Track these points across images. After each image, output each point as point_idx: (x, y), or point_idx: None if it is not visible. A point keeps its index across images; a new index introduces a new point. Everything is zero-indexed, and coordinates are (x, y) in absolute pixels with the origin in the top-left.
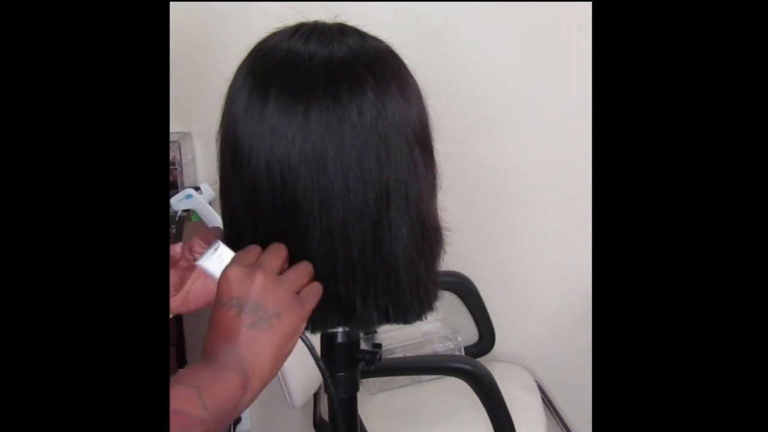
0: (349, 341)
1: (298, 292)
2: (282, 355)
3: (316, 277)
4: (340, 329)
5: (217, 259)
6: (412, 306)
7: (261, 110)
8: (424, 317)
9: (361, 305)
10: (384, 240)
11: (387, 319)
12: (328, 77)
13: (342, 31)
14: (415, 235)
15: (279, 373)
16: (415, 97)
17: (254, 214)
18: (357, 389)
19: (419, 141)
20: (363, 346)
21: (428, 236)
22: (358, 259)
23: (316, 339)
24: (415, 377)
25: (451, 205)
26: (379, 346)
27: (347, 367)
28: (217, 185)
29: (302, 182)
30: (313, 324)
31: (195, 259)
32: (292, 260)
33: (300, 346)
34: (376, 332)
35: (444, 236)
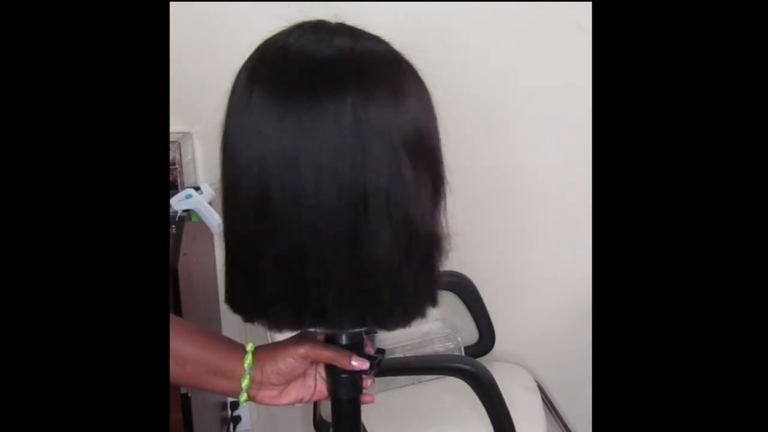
0: (352, 343)
1: None
2: None
3: (287, 277)
4: (320, 329)
5: None
6: (392, 313)
7: (246, 106)
8: (407, 325)
9: (333, 308)
10: (361, 244)
11: (362, 324)
12: (309, 77)
13: (335, 30)
14: (399, 242)
15: None
16: (412, 103)
17: (234, 210)
18: (360, 391)
19: (410, 147)
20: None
21: (418, 244)
22: (332, 262)
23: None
24: (415, 377)
25: (452, 204)
26: (382, 351)
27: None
28: (217, 185)
29: (274, 182)
30: (286, 322)
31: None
32: (264, 260)
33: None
34: (375, 332)
35: (445, 245)
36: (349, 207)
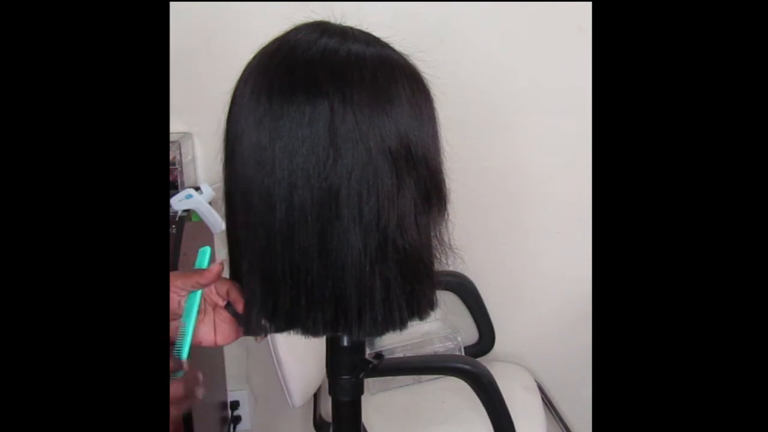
0: (353, 345)
1: None
2: None
3: (261, 276)
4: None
5: None
6: (361, 322)
7: (239, 107)
8: (380, 334)
9: (305, 311)
10: (330, 249)
11: (335, 329)
12: (290, 78)
13: (327, 31)
14: (371, 251)
15: (279, 373)
16: (400, 109)
17: (228, 213)
18: (361, 393)
19: (394, 153)
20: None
21: (395, 256)
22: (302, 263)
23: (322, 342)
24: (415, 377)
25: (452, 205)
26: (380, 356)
27: (351, 371)
28: (217, 185)
29: (248, 180)
30: (261, 322)
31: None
32: (244, 260)
33: (302, 346)
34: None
35: (435, 258)
36: (320, 208)
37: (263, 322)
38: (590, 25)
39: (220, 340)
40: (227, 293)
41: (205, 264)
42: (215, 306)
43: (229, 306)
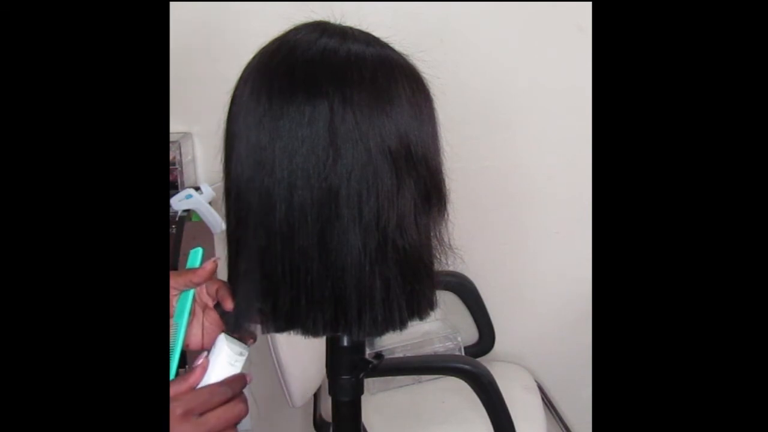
0: (353, 345)
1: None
2: None
3: (262, 276)
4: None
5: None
6: (361, 322)
7: (238, 107)
8: (380, 334)
9: (305, 311)
10: (330, 249)
11: (335, 329)
12: (290, 78)
13: (327, 31)
14: (370, 251)
15: (279, 373)
16: (400, 109)
17: (228, 213)
18: (361, 392)
19: (394, 153)
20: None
21: (394, 256)
22: (302, 263)
23: (322, 342)
24: (415, 377)
25: (452, 205)
26: (380, 356)
27: (351, 371)
28: (217, 185)
29: (247, 180)
30: (251, 322)
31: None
32: (242, 260)
33: (302, 346)
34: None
35: (435, 258)
36: (320, 208)
37: (253, 325)
38: (590, 25)
39: (207, 344)
40: (216, 292)
41: (197, 265)
42: (204, 307)
43: (217, 306)
